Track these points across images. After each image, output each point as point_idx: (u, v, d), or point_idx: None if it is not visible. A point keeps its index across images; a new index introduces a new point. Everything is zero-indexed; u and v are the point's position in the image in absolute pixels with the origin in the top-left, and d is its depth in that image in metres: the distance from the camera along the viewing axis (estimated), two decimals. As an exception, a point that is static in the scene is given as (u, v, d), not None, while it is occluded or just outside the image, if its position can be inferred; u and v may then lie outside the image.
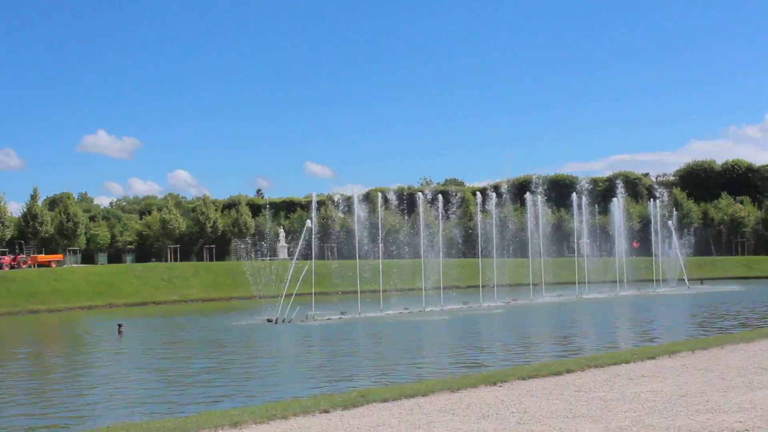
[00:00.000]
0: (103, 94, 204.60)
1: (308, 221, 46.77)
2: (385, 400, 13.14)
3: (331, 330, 35.87)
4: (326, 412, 12.36)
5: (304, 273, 45.42)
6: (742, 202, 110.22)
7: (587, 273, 61.88)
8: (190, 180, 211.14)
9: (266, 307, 42.99)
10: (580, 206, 66.64)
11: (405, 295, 51.21)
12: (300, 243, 47.26)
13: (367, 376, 20.46)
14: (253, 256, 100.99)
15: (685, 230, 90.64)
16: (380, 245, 52.30)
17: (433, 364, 22.68)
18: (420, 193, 55.35)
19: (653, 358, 17.63)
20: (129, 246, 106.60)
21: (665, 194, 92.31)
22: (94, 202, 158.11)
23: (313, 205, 51.77)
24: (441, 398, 13.31)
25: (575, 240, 71.04)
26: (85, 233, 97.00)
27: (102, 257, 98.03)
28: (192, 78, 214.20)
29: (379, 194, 56.10)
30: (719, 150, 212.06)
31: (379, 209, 52.97)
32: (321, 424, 11.49)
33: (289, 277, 43.95)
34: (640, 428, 10.17)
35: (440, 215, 55.55)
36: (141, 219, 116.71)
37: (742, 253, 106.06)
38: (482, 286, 53.45)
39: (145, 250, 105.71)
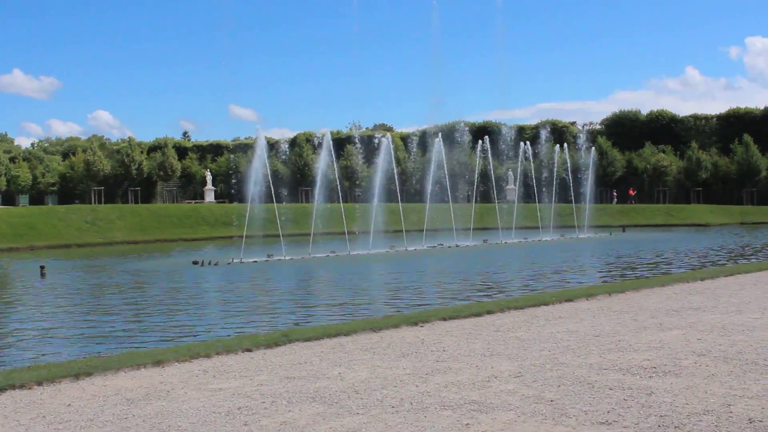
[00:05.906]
0: (18, 32, 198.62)
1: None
2: (307, 340, 13.29)
3: (257, 272, 35.90)
4: (249, 350, 12.47)
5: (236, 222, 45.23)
6: (664, 152, 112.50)
7: (514, 218, 62.79)
8: (112, 121, 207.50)
9: (192, 250, 42.74)
10: (506, 153, 67.28)
11: (332, 239, 51.40)
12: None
13: (292, 317, 20.62)
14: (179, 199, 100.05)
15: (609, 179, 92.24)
16: (316, 190, 52.20)
17: (358, 305, 22.90)
18: (355, 131, 55.35)
19: (571, 300, 18.07)
20: (51, 188, 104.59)
21: (589, 141, 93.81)
22: (15, 143, 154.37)
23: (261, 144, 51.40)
24: (363, 338, 13.51)
25: (490, 183, 71.82)
26: (6, 174, 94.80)
27: (23, 199, 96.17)
28: (113, 17, 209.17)
29: (317, 136, 55.92)
30: (642, 101, 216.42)
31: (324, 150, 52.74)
32: (243, 361, 11.62)
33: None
34: (554, 365, 10.51)
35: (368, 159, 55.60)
36: (64, 160, 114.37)
37: (663, 202, 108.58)
38: (405, 231, 53.88)
39: (68, 193, 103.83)
